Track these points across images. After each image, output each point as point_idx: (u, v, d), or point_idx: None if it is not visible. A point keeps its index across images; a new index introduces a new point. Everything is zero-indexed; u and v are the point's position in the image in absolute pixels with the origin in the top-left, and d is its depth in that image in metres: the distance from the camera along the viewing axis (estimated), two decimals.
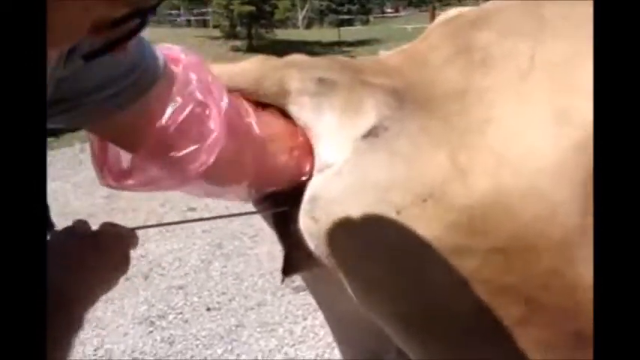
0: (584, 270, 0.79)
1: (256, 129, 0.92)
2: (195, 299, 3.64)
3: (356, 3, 45.91)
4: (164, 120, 0.80)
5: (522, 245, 0.80)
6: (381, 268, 0.88)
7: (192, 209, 5.06)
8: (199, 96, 0.82)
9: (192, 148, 0.82)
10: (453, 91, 0.90)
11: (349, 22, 37.12)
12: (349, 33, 28.56)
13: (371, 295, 0.91)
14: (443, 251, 0.82)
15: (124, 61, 0.75)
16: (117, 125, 0.80)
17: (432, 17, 10.81)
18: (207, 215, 4.67)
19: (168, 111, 0.80)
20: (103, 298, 0.81)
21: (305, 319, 3.34)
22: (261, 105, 0.96)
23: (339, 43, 24.77)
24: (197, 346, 3.14)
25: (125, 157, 0.86)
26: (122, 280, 0.83)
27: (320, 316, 3.35)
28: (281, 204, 1.02)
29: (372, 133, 0.88)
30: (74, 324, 0.74)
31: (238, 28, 21.31)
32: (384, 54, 1.10)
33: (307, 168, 0.98)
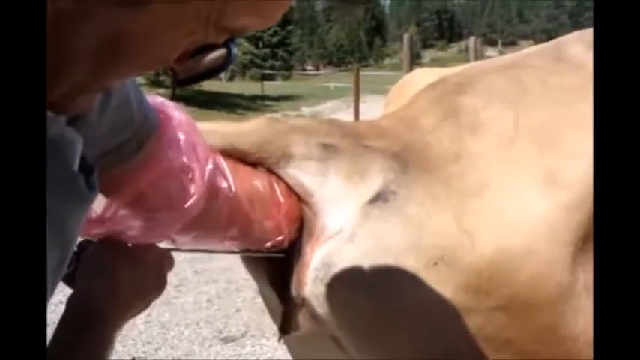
0: (572, 322, 0.86)
1: (235, 192, 0.91)
2: (120, 348, 3.49)
3: (279, 59, 46.70)
4: (149, 178, 0.79)
5: (521, 303, 0.86)
6: (395, 329, 0.91)
7: None
8: (184, 158, 0.81)
9: (168, 210, 0.82)
10: (447, 154, 0.96)
11: (271, 77, 37.63)
12: (272, 87, 28.93)
13: (381, 355, 0.93)
14: (452, 311, 0.86)
15: (126, 110, 0.72)
16: (110, 176, 0.75)
17: (357, 77, 11.05)
18: None
19: (155, 170, 0.79)
20: None
21: None
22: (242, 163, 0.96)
23: (262, 97, 24.99)
24: None
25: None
26: None
27: None
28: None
29: (380, 198, 0.92)
30: (106, 340, 0.73)
31: (162, 77, 21.12)
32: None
33: (286, 232, 0.98)
